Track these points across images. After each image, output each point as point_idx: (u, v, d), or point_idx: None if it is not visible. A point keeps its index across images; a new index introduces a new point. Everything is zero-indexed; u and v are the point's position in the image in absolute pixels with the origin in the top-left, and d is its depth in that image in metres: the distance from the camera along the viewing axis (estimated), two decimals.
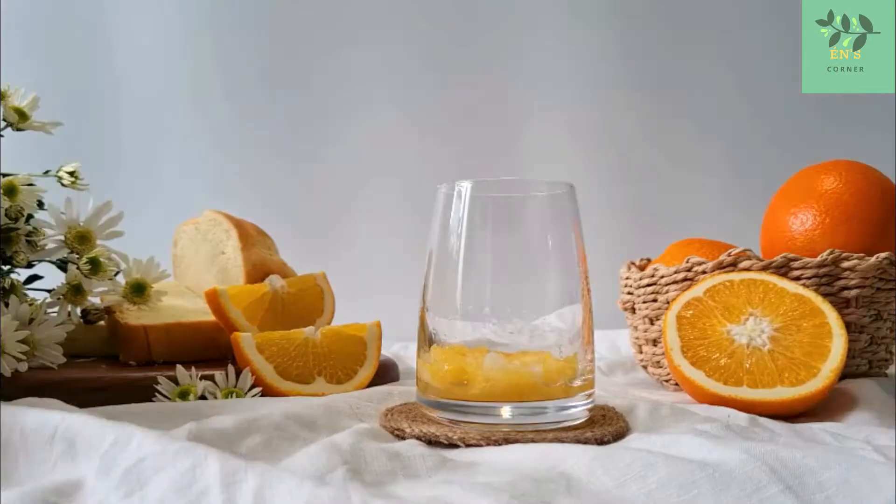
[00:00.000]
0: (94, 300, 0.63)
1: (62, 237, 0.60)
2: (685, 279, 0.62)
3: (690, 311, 0.55)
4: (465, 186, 0.47)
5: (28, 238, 0.58)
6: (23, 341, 0.53)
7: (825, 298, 0.55)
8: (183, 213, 0.84)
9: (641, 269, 0.69)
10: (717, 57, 1.17)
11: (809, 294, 0.55)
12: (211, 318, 0.64)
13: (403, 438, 0.44)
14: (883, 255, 0.59)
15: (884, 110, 1.09)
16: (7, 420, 0.39)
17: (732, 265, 0.60)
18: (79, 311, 0.61)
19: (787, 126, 1.17)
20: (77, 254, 0.60)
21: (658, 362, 0.66)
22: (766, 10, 1.15)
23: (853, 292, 0.59)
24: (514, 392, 0.44)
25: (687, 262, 0.62)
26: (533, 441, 0.41)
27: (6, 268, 0.58)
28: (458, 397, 0.45)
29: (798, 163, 0.69)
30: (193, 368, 0.56)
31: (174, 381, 0.55)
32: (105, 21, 1.18)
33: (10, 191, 0.57)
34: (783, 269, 0.59)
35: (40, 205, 0.60)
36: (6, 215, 0.57)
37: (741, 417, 0.48)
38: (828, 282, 0.59)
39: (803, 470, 0.33)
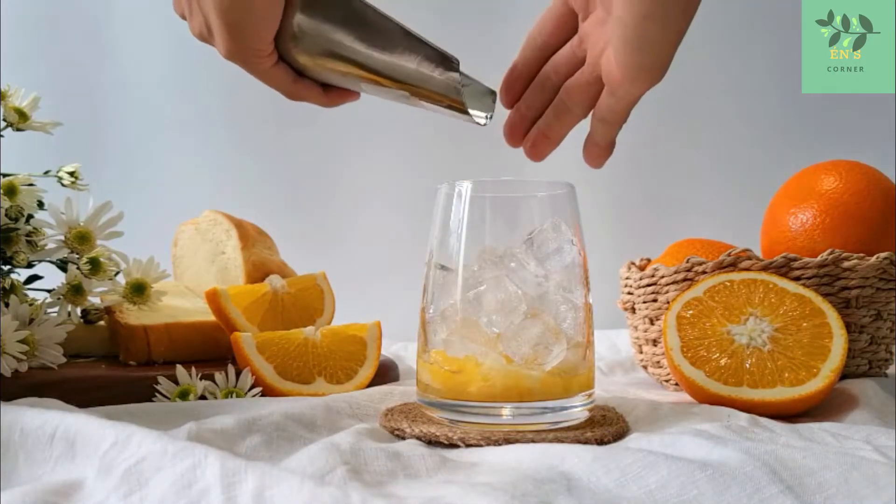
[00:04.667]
0: (94, 300, 0.63)
1: (62, 237, 0.60)
2: (685, 279, 0.62)
3: (690, 311, 0.55)
4: (465, 186, 0.47)
5: (28, 238, 0.58)
6: (23, 341, 0.53)
7: (825, 298, 0.55)
8: (183, 213, 0.84)
9: (641, 269, 0.69)
10: (717, 57, 1.17)
11: (809, 294, 0.55)
12: (211, 318, 0.64)
13: (403, 438, 0.44)
14: (883, 255, 0.59)
15: (884, 110, 1.09)
16: (7, 420, 0.39)
17: (732, 265, 0.60)
18: (79, 311, 0.61)
19: (787, 126, 1.17)
20: (77, 254, 0.60)
21: (658, 362, 0.66)
22: (766, 10, 1.15)
23: (853, 292, 0.59)
24: (513, 392, 0.44)
25: (687, 262, 0.62)
26: (533, 441, 0.41)
27: (6, 268, 0.58)
28: (458, 397, 0.45)
29: (798, 163, 0.69)
30: (193, 368, 0.56)
31: (174, 381, 0.55)
32: (105, 21, 1.18)
33: (10, 191, 0.57)
34: (783, 269, 0.59)
35: (40, 205, 0.60)
36: (6, 215, 0.57)
37: (741, 417, 0.48)
38: (828, 282, 0.59)
39: (803, 470, 0.33)
